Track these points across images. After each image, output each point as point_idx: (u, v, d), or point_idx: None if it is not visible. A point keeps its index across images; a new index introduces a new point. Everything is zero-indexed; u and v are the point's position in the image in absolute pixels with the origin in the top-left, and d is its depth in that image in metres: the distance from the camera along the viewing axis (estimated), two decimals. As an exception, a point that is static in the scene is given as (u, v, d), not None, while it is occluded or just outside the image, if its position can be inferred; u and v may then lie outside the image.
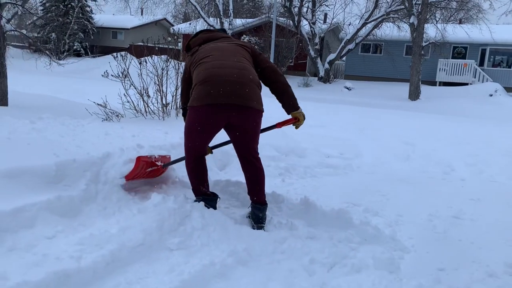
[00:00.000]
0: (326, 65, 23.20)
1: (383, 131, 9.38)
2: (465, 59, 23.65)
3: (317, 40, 23.18)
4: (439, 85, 22.97)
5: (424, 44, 18.52)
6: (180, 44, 27.74)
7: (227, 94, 2.71)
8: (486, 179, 5.49)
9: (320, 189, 4.35)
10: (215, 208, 3.00)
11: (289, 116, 3.17)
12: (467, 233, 3.40)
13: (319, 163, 5.58)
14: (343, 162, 5.89)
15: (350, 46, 22.68)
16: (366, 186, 4.62)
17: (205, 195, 3.04)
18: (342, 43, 22.73)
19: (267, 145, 5.32)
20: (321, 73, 23.24)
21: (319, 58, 23.61)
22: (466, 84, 21.84)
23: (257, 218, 2.96)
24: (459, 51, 24.22)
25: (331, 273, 2.37)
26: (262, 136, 5.59)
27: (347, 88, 21.04)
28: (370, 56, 25.80)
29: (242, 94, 2.75)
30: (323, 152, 6.28)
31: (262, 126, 3.09)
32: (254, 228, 2.90)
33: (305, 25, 23.24)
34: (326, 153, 6.29)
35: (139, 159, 3.10)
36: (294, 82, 22.33)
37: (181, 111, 5.55)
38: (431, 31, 19.74)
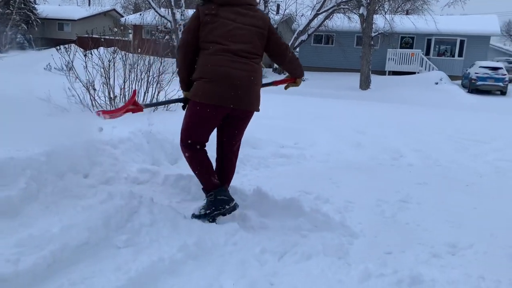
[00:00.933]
0: (280, 56, 23.31)
1: (336, 120, 9.57)
2: (412, 48, 24.58)
3: (270, 31, 23.21)
4: (389, 74, 23.75)
5: (373, 34, 19.04)
6: (130, 36, 27.02)
7: (236, 98, 2.72)
8: (432, 164, 5.72)
9: (273, 179, 4.37)
10: (232, 199, 2.85)
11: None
12: (414, 216, 3.53)
13: (273, 153, 5.60)
14: (297, 151, 5.95)
15: (303, 37, 22.92)
16: (318, 175, 4.69)
17: (219, 187, 2.86)
18: (295, 34, 22.91)
19: (220, 137, 5.28)
20: (276, 65, 23.34)
21: (272, 49, 23.66)
22: (414, 73, 22.72)
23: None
24: (407, 41, 25.13)
25: (281, 262, 2.38)
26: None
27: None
28: (322, 47, 26.24)
29: (249, 99, 2.81)
30: (277, 143, 6.31)
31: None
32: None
33: (258, 16, 23.19)
34: (281, 144, 6.33)
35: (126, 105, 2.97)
36: (248, 74, 22.29)
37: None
38: (380, 21, 20.30)
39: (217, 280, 2.16)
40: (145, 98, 5.65)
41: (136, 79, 5.67)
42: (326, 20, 22.26)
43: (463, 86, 20.75)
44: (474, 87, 19.05)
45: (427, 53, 24.68)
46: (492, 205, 3.91)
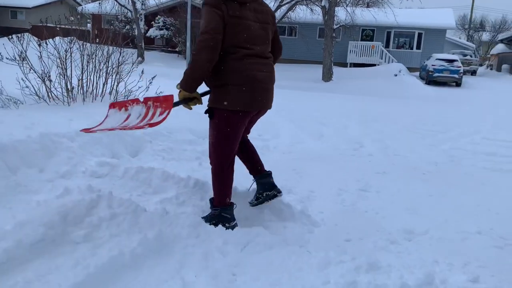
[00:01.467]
0: (244, 48, 23.25)
1: (299, 112, 9.66)
2: (373, 41, 25.09)
3: (233, 22, 23.09)
4: (350, 66, 24.18)
5: (335, 27, 19.27)
6: (89, 25, 26.13)
7: (264, 101, 2.74)
8: (391, 153, 5.90)
9: (237, 171, 4.31)
10: (234, 219, 2.80)
11: None
12: (373, 204, 3.63)
13: (237, 145, 5.60)
14: (261, 143, 5.97)
15: (266, 29, 22.89)
16: (281, 166, 4.72)
17: (227, 206, 2.82)
18: (258, 25, 22.86)
19: (184, 129, 5.23)
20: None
21: (236, 40, 23.56)
22: (374, 65, 23.22)
23: (272, 185, 3.05)
24: (367, 33, 25.63)
25: (244, 252, 2.39)
26: (179, 120, 5.48)
27: (265, 70, 21.28)
28: (285, 39, 26.30)
29: (271, 99, 2.84)
30: (241, 134, 6.32)
31: None
32: (272, 198, 3.01)
33: (221, 7, 23.00)
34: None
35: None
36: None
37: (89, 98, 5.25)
38: (341, 14, 20.57)
39: (179, 273, 2.15)
40: (104, 89, 5.50)
41: (95, 70, 5.50)
42: (289, 12, 22.34)
43: (421, 77, 21.43)
44: (431, 79, 19.71)
45: (387, 46, 25.29)
46: (447, 192, 4.08)
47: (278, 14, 22.27)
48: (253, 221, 2.91)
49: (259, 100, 2.68)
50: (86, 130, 2.66)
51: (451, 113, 10.88)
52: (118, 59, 5.66)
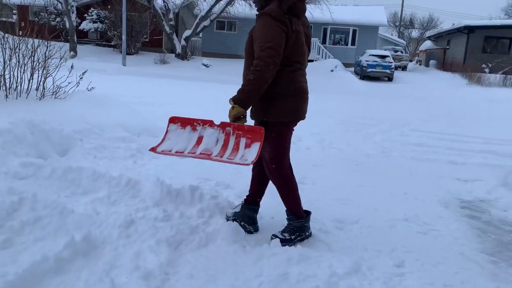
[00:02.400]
0: (183, 42, 22.90)
1: (238, 106, 9.68)
2: (310, 37, 25.61)
3: (171, 15, 22.65)
4: (289, 62, 24.54)
5: (274, 22, 19.46)
6: (15, 17, 24.45)
7: (306, 111, 2.74)
8: (327, 146, 6.07)
9: (174, 168, 4.29)
10: (309, 227, 2.82)
11: None
12: (309, 196, 3.71)
13: (174, 141, 5.50)
14: (199, 139, 5.91)
15: (205, 23, 22.71)
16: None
17: (307, 215, 2.79)
18: (197, 20, 22.62)
19: (117, 125, 5.04)
20: (178, 50, 22.89)
21: (175, 34, 23.15)
22: (312, 60, 23.75)
23: (254, 221, 2.88)
24: (305, 29, 26.12)
25: (178, 251, 2.35)
26: (111, 116, 5.28)
27: (205, 65, 21.14)
28: (225, 34, 26.27)
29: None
30: (179, 130, 6.22)
31: None
32: (246, 231, 2.78)
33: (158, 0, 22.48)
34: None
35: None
36: (150, 59, 21.58)
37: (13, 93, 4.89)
38: (279, 10, 20.81)
39: (109, 275, 2.07)
40: (30, 85, 5.16)
41: (18, 64, 5.14)
42: (228, 7, 22.28)
43: (356, 73, 22.27)
44: (365, 74, 20.54)
45: (324, 42, 25.99)
46: (378, 182, 4.27)
47: (217, 9, 22.17)
48: (188, 218, 2.86)
49: (305, 110, 2.72)
50: (153, 150, 2.50)
51: (383, 106, 11.41)
52: (45, 53, 5.33)
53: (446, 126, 8.50)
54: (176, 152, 2.44)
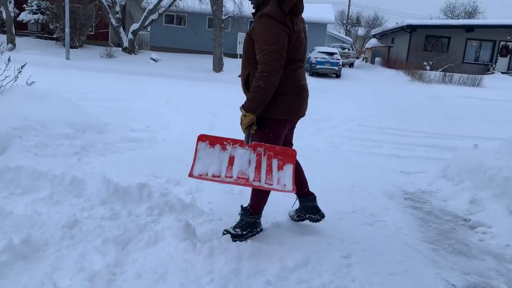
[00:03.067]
0: (130, 35, 22.24)
1: (190, 102, 9.57)
2: (261, 33, 25.71)
3: (118, 8, 21.92)
4: (240, 58, 24.54)
5: (224, 17, 19.37)
6: None
7: (305, 109, 2.73)
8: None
9: (121, 165, 4.16)
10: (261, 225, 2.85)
11: None
12: (259, 191, 3.73)
13: (122, 138, 5.33)
14: (148, 135, 5.77)
15: (154, 17, 22.19)
16: (170, 157, 4.63)
17: (260, 213, 2.80)
18: (145, 13, 22.04)
19: (59, 122, 4.81)
20: (125, 44, 22.21)
21: (121, 28, 22.44)
22: (263, 56, 23.89)
23: (317, 209, 2.98)
24: (255, 25, 26.20)
25: (125, 250, 2.28)
26: (53, 112, 5.03)
27: (153, 60, 20.68)
28: (174, 28, 25.80)
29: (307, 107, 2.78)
30: (127, 126, 6.04)
31: None
32: (314, 221, 2.97)
33: (104, -8, 21.67)
34: (131, 127, 6.08)
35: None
36: (96, 53, 20.79)
37: None
38: (229, 5, 20.73)
39: (51, 278, 1.97)
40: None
41: None
42: (177, 0, 21.89)
43: (305, 69, 22.61)
44: (314, 71, 20.92)
45: (274, 37, 26.17)
46: (327, 176, 4.37)
47: (165, 2, 21.72)
48: (136, 216, 2.78)
49: (304, 108, 2.70)
50: (190, 175, 2.42)
51: (331, 102, 11.69)
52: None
53: (390, 121, 8.86)
54: (213, 176, 2.41)
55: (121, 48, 22.37)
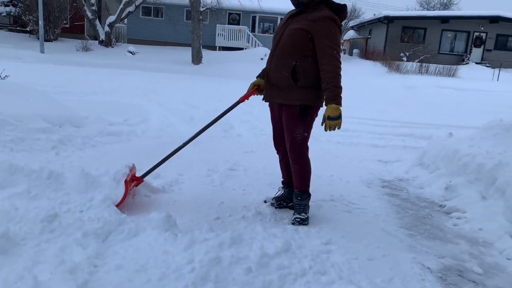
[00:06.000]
0: (107, 28, 21.85)
1: (169, 95, 9.50)
2: (239, 25, 25.65)
3: (93, 0, 21.49)
4: (219, 50, 24.43)
5: (202, 9, 19.21)
6: None
7: None
8: (258, 133, 6.16)
9: (99, 159, 4.13)
10: None
11: None
12: (240, 182, 3.76)
13: (100, 131, 5.28)
14: (127, 128, 5.72)
15: (130, 9, 21.84)
16: (149, 151, 4.60)
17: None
18: (121, 5, 21.67)
19: (35, 116, 4.72)
20: (102, 37, 21.81)
21: (97, 20, 22.02)
22: (242, 48, 23.84)
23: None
24: (234, 17, 26.10)
25: (106, 242, 2.28)
26: (29, 107, 4.93)
27: (131, 53, 20.39)
28: (152, 20, 25.43)
29: None
30: (106, 120, 5.97)
31: None
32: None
33: (78, -17, 21.20)
34: (109, 121, 6.00)
35: (126, 182, 2.90)
36: (71, 46, 20.36)
37: None
38: (208, -3, 20.60)
39: (31, 272, 1.96)
40: None
41: None
42: (154, -8, 21.61)
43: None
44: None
45: (253, 30, 26.10)
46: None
47: (142, -6, 21.39)
48: (116, 209, 2.77)
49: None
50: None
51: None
52: None
53: (368, 112, 8.99)
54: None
55: (97, 41, 21.97)
